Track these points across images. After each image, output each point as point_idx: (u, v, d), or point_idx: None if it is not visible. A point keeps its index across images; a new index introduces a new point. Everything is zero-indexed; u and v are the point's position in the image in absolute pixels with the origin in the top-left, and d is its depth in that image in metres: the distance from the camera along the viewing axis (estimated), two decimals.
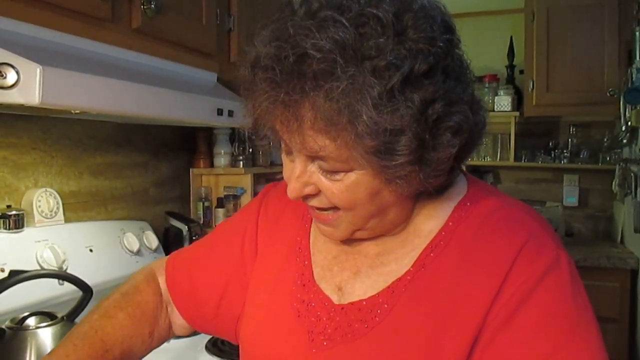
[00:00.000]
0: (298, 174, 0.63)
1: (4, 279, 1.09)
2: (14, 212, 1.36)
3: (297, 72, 0.55)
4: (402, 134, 0.56)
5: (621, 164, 2.63)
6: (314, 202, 0.66)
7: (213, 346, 1.40)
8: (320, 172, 0.63)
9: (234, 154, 2.17)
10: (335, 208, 0.65)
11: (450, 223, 0.68)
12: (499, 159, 3.21)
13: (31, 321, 1.11)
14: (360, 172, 0.61)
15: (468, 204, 0.69)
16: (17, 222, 1.37)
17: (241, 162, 2.15)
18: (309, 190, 0.64)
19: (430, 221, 0.69)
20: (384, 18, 0.55)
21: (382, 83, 0.54)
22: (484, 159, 3.23)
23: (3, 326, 1.08)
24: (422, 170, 0.60)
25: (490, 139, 3.21)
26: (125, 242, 1.64)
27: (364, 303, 0.67)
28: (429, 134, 0.57)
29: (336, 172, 0.61)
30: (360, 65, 0.54)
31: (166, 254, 1.78)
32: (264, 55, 0.58)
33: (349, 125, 0.55)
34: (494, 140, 3.22)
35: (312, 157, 0.62)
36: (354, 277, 0.71)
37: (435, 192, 0.68)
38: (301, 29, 0.56)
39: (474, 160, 3.20)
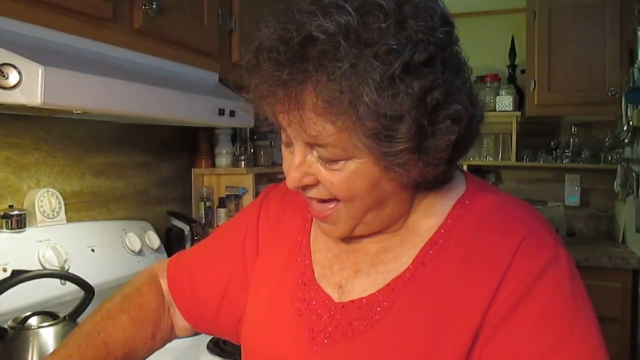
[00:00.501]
0: (297, 163, 0.64)
1: (6, 279, 1.09)
2: (16, 212, 1.37)
3: (301, 53, 0.57)
4: (401, 121, 0.57)
5: (623, 163, 2.63)
6: (313, 193, 0.66)
7: (215, 346, 1.40)
8: (320, 162, 0.63)
9: (236, 153, 2.18)
10: (334, 200, 0.65)
11: (449, 221, 0.68)
12: (501, 159, 3.21)
13: (33, 321, 1.11)
14: (359, 161, 0.61)
15: (467, 201, 0.69)
16: (19, 222, 1.38)
17: (243, 162, 2.16)
18: (308, 180, 0.65)
19: (429, 219, 0.70)
20: (386, 6, 0.57)
21: (383, 68, 0.55)
22: (486, 158, 3.23)
23: (5, 326, 1.09)
24: (421, 158, 0.60)
25: (492, 138, 3.21)
26: (127, 242, 1.65)
27: (364, 301, 0.68)
28: (427, 121, 0.58)
29: (335, 160, 0.62)
30: (363, 50, 0.56)
31: (168, 254, 1.79)
32: (269, 36, 0.59)
33: (350, 107, 0.56)
34: (495, 140, 3.22)
35: (312, 145, 0.62)
36: (354, 275, 0.71)
37: (434, 186, 0.69)
38: (306, 13, 0.58)
39: (475, 160, 3.21)
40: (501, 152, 3.21)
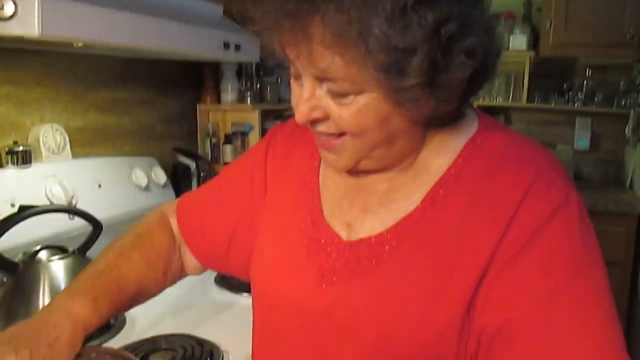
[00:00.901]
0: (306, 96, 0.62)
1: (14, 214, 1.10)
2: (21, 148, 1.36)
3: None
4: (413, 54, 0.55)
5: (636, 108, 2.58)
6: (321, 128, 0.64)
7: (222, 280, 1.43)
8: (329, 96, 0.61)
9: (241, 89, 2.14)
10: (342, 134, 0.64)
11: (460, 160, 0.67)
12: (511, 100, 3.15)
13: (43, 255, 1.13)
14: (369, 95, 0.59)
15: (478, 141, 0.68)
16: (24, 158, 1.37)
17: (249, 98, 2.13)
18: (316, 114, 0.63)
19: (440, 158, 0.68)
20: None
21: None
22: (496, 99, 3.17)
23: (16, 259, 1.10)
24: (434, 93, 0.58)
25: (503, 78, 3.14)
26: (134, 178, 1.65)
27: (373, 239, 0.67)
28: (441, 54, 0.55)
29: (345, 95, 0.60)
30: None
31: (175, 190, 1.80)
32: None
33: (359, 39, 0.54)
34: (506, 80, 3.14)
35: (321, 79, 0.60)
36: (363, 214, 0.70)
37: (446, 123, 0.67)
38: None
39: (485, 101, 3.15)
40: (512, 93, 3.15)
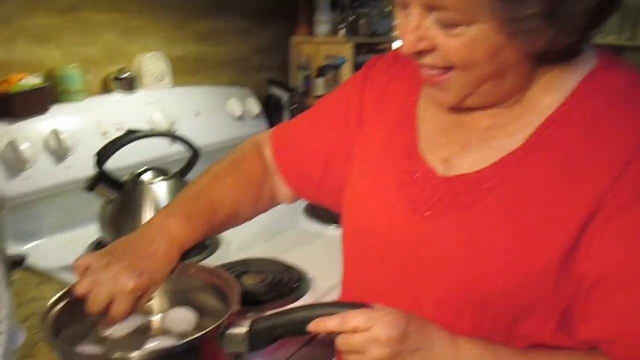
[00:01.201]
0: (413, 26, 0.59)
1: (122, 137, 1.17)
2: (127, 74, 1.43)
3: None
4: None
5: None
6: (427, 60, 0.62)
7: (311, 210, 1.46)
8: (438, 26, 0.58)
9: (335, 21, 2.10)
10: (449, 68, 0.61)
11: (573, 98, 0.62)
12: (627, 38, 2.86)
13: (147, 176, 1.20)
14: (482, 26, 0.56)
15: (596, 79, 0.62)
16: (130, 84, 1.44)
17: (342, 31, 2.08)
18: (423, 45, 0.60)
19: (550, 95, 0.64)
20: None
21: None
22: (608, 37, 2.89)
23: (123, 179, 1.19)
24: (553, 24, 0.54)
25: (619, 13, 2.84)
26: (229, 108, 1.70)
27: (472, 176, 0.65)
28: None
29: (455, 25, 0.57)
30: None
31: (268, 121, 1.83)
32: None
33: None
34: (622, 15, 2.85)
35: (430, 7, 0.57)
36: (462, 150, 0.68)
37: (560, 60, 0.62)
38: None
39: (595, 39, 2.88)
40: (629, 30, 2.85)
